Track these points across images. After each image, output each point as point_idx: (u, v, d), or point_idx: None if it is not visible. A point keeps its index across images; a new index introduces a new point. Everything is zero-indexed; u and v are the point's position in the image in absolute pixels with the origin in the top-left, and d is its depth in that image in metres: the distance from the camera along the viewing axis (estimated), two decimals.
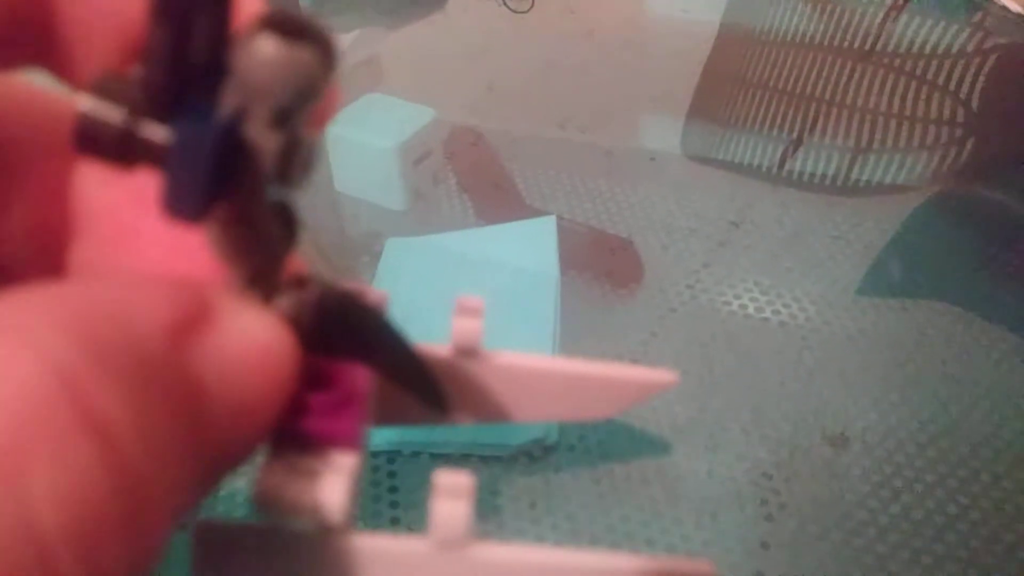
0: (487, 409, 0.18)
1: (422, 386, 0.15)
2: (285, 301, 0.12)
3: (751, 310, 0.51)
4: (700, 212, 0.58)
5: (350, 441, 0.13)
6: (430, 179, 0.59)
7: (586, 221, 0.57)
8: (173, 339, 0.10)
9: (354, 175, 0.58)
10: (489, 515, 0.39)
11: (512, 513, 0.39)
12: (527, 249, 0.51)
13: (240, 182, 0.11)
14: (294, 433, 0.12)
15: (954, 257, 0.55)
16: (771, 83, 0.68)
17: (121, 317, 0.09)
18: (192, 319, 0.10)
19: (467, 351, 0.17)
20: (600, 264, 0.53)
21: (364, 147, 0.56)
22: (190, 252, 0.12)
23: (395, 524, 0.40)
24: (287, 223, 0.12)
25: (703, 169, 0.63)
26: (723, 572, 0.38)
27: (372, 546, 0.13)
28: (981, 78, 0.65)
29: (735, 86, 0.69)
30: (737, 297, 0.51)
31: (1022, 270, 0.53)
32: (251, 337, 0.11)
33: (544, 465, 0.41)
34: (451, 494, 0.13)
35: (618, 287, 0.52)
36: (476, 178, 0.61)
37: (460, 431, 0.40)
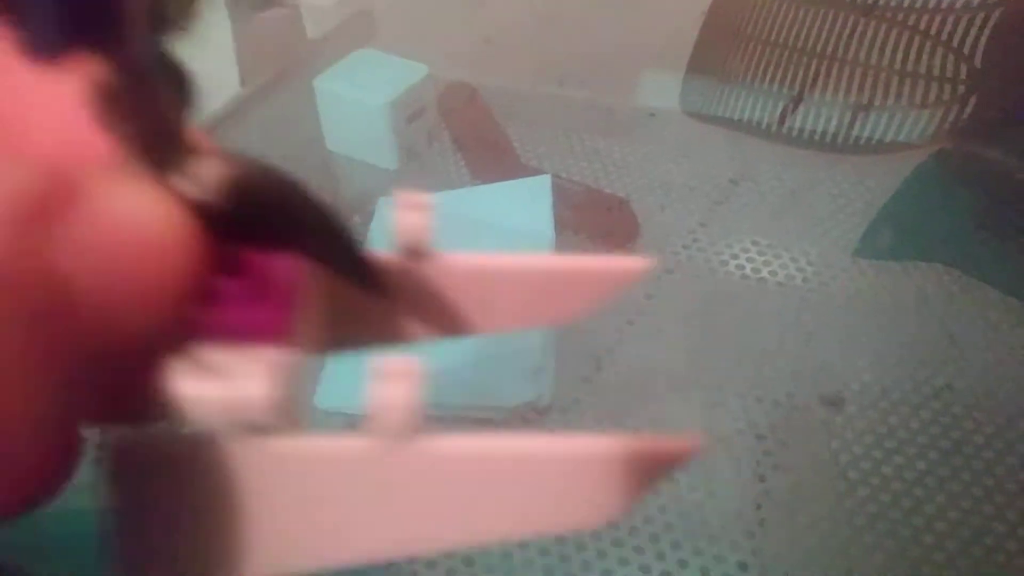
0: (444, 319, 0.15)
1: (357, 270, 0.12)
2: (185, 177, 0.10)
3: (749, 270, 0.50)
4: (699, 170, 0.57)
5: (276, 335, 0.11)
6: (424, 137, 0.58)
7: (583, 180, 0.56)
8: (23, 226, 0.09)
9: (345, 133, 0.57)
10: None
11: None
12: (522, 209, 0.50)
13: (108, 22, 0.10)
14: (211, 329, 0.11)
15: (954, 217, 0.55)
16: (771, 38, 0.66)
17: None
18: (51, 201, 0.09)
19: (415, 251, 0.15)
20: (596, 224, 0.53)
21: (355, 104, 0.54)
22: (83, 140, 0.10)
23: None
24: (176, 80, 0.11)
25: (702, 126, 0.62)
26: (718, 530, 0.38)
27: (305, 448, 0.11)
28: (985, 34, 0.63)
29: (735, 41, 0.67)
30: (735, 257, 0.51)
31: (1020, 230, 0.53)
32: (125, 218, 0.09)
33: (537, 428, 0.41)
34: (393, 378, 0.11)
35: (614, 248, 0.51)
36: (471, 136, 0.60)
37: (450, 393, 0.40)
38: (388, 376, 0.11)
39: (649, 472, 0.11)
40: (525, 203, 0.50)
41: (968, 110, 0.62)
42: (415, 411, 0.11)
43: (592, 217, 0.53)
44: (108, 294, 0.09)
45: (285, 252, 0.12)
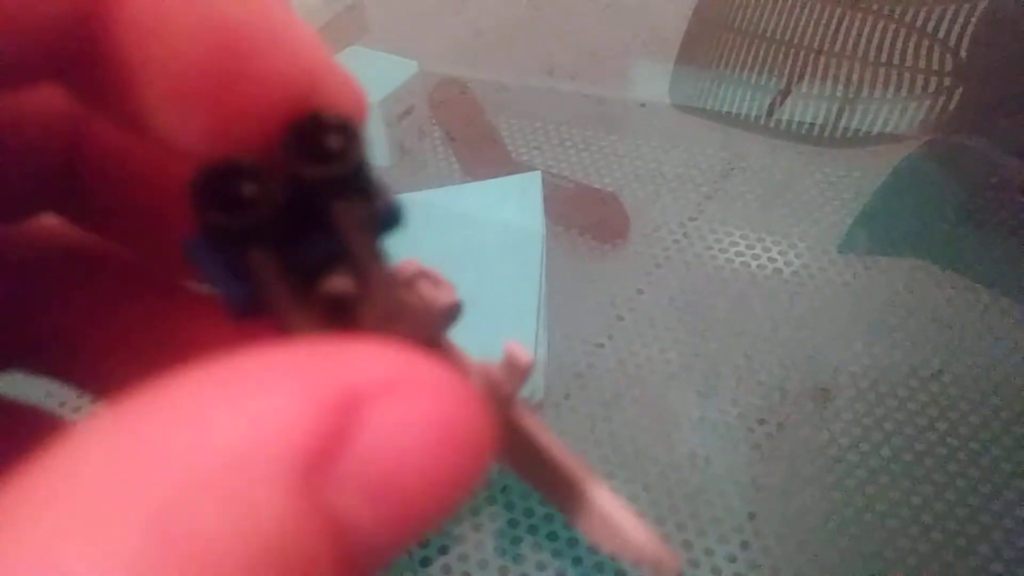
0: None
1: None
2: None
3: (740, 261, 0.50)
4: (689, 161, 0.57)
5: None
6: (415, 133, 0.58)
7: (573, 172, 0.56)
8: (297, 487, 0.07)
9: None
10: None
11: (499, 472, 0.40)
12: (512, 206, 0.50)
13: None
14: None
15: (942, 207, 0.55)
16: (760, 29, 0.66)
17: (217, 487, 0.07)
18: (332, 438, 0.07)
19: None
20: (587, 219, 0.53)
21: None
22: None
23: None
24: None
25: (692, 118, 0.62)
26: (708, 521, 0.39)
27: None
28: (970, 26, 0.64)
29: (724, 32, 0.68)
30: (723, 251, 0.51)
31: (1007, 220, 0.53)
32: (415, 428, 0.07)
33: None
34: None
35: (605, 242, 0.52)
36: (462, 131, 0.60)
37: None
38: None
39: None
40: (516, 199, 0.51)
41: (954, 102, 0.62)
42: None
43: (583, 212, 0.53)
44: (390, 528, 0.08)
45: None
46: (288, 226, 0.09)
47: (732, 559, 0.37)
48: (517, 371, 0.12)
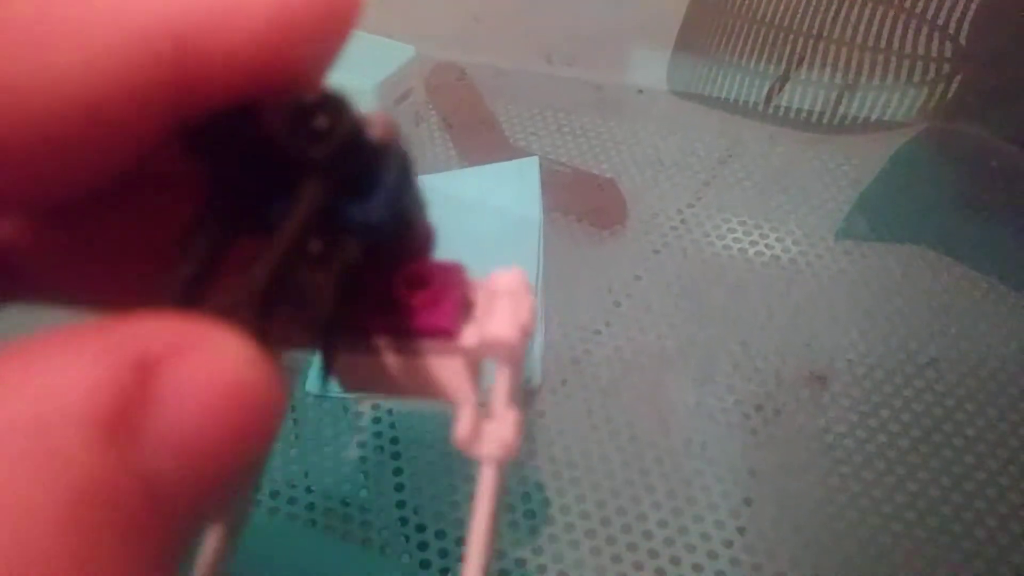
0: None
1: None
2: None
3: (738, 248, 0.50)
4: (687, 149, 0.57)
5: (454, 332, 0.12)
6: (411, 118, 0.58)
7: (571, 158, 0.56)
8: (103, 441, 0.08)
9: None
10: (473, 463, 0.39)
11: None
12: (509, 191, 0.50)
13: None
14: (402, 336, 0.12)
15: (939, 194, 0.55)
16: (758, 16, 0.66)
17: (29, 427, 0.07)
18: (130, 397, 0.08)
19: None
20: (585, 205, 0.53)
21: (341, 88, 0.54)
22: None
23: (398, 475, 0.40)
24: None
25: (690, 104, 0.62)
26: (705, 507, 0.39)
27: None
28: (970, 12, 0.64)
29: (722, 19, 0.67)
30: (721, 238, 0.51)
31: (1005, 207, 0.53)
32: (210, 394, 0.08)
33: (526, 410, 0.42)
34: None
35: (602, 228, 0.52)
36: (459, 116, 0.59)
37: None
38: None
39: None
40: (513, 185, 0.50)
41: (954, 89, 0.62)
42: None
43: (581, 198, 0.53)
44: (193, 484, 0.09)
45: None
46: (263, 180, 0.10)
47: (728, 544, 0.37)
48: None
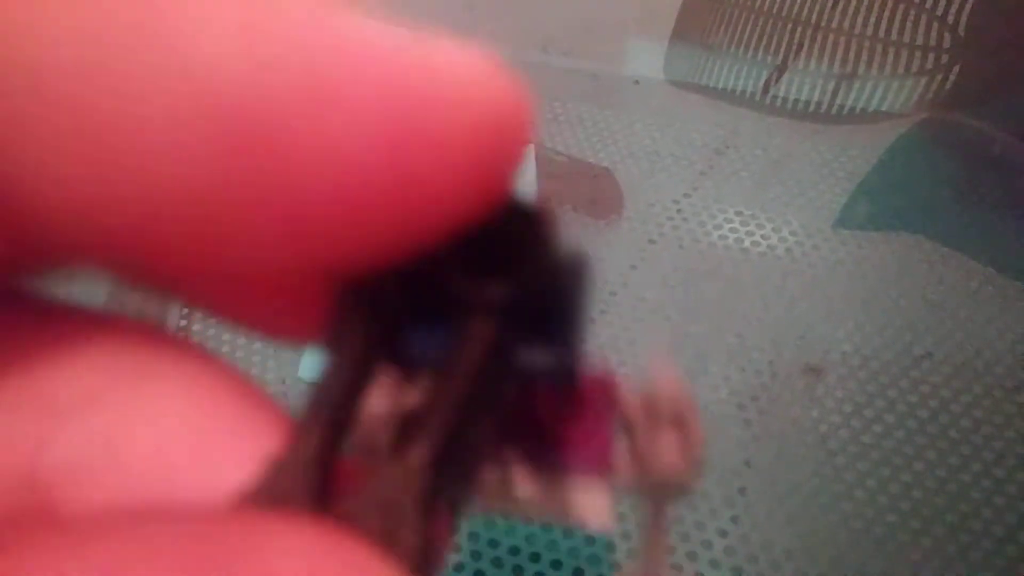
0: None
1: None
2: None
3: (734, 239, 0.50)
4: (683, 139, 0.57)
5: (604, 460, 0.10)
6: None
7: (567, 148, 0.56)
8: None
9: None
10: None
11: None
12: None
13: None
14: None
15: (936, 186, 0.55)
16: (756, 5, 0.66)
17: None
18: None
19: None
20: (580, 195, 0.52)
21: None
22: None
23: None
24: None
25: (687, 94, 0.62)
26: (708, 490, 0.39)
27: None
28: (969, 3, 0.63)
29: (719, 9, 0.67)
30: (717, 228, 0.51)
31: (1003, 197, 0.53)
32: None
33: None
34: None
35: (598, 218, 0.51)
36: None
37: None
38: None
39: None
40: None
41: (952, 79, 0.62)
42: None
43: (576, 188, 0.53)
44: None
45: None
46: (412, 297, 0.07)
47: (723, 534, 0.37)
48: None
